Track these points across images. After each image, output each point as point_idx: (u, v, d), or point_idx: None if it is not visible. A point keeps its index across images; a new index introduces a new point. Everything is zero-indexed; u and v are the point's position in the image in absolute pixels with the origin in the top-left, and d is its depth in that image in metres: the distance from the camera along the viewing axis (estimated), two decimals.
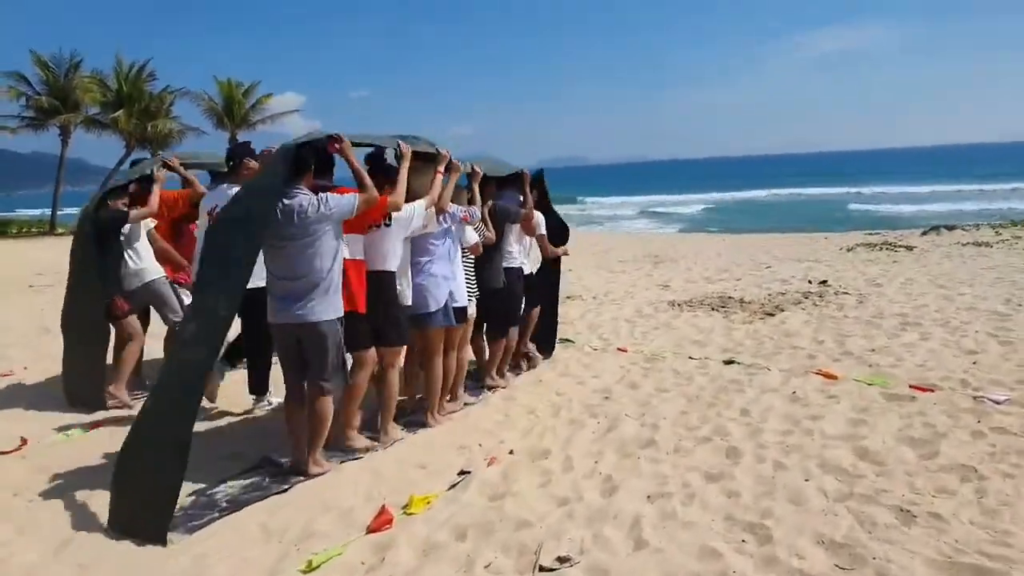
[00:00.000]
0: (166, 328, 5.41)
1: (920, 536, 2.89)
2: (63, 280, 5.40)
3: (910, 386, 4.84)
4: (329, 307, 3.71)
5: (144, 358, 5.58)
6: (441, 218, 4.47)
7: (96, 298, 5.10)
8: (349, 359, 4.03)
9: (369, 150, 4.33)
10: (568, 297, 9.03)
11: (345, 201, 3.70)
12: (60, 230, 27.48)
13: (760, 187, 55.97)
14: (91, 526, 3.33)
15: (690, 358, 6.01)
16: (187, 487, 3.49)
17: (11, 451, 4.30)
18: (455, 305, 4.56)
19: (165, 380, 3.50)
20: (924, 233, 16.15)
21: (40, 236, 26.77)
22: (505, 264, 5.37)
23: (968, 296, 7.96)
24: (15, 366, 6.41)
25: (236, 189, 4.25)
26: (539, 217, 5.73)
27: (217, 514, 3.40)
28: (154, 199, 5.19)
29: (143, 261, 5.31)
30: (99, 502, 3.51)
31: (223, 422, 4.88)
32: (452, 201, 4.53)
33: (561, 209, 6.45)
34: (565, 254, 6.26)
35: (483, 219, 4.97)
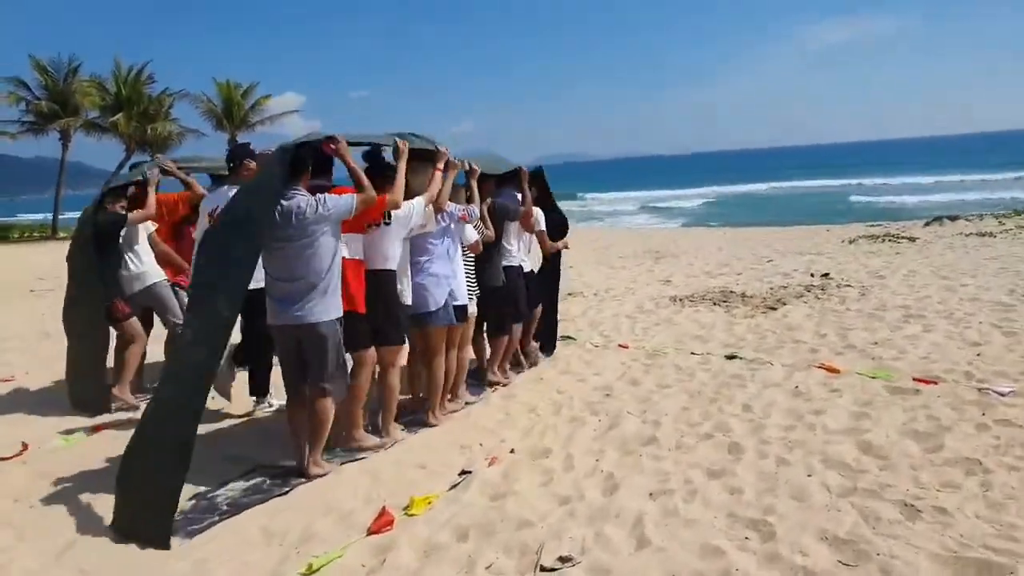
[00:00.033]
0: (167, 331, 5.41)
1: (925, 531, 2.86)
2: (64, 284, 5.39)
3: (914, 379, 4.81)
4: (328, 308, 3.70)
5: (146, 360, 5.57)
6: (439, 217, 4.45)
7: (96, 301, 5.09)
8: (349, 360, 4.02)
9: (366, 148, 4.31)
10: (569, 294, 9.00)
11: (343, 202, 3.69)
12: (62, 234, 27.52)
13: (761, 180, 55.81)
14: (92, 531, 3.31)
15: (692, 354, 5.98)
16: (187, 490, 3.48)
17: (11, 456, 4.29)
18: (455, 303, 4.55)
19: (168, 382, 3.49)
20: (927, 224, 16.05)
21: (42, 240, 26.82)
22: (505, 263, 5.35)
23: (971, 287, 7.92)
24: (16, 371, 6.41)
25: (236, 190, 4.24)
26: (538, 213, 5.71)
27: (217, 517, 3.39)
28: (151, 201, 5.18)
29: (144, 264, 5.31)
30: (100, 507, 3.51)
31: (224, 424, 4.86)
32: (450, 199, 4.51)
33: (561, 206, 6.42)
34: (565, 247, 6.23)
35: (482, 217, 4.95)
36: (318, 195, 3.67)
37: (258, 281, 3.75)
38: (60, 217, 29.34)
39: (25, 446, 4.41)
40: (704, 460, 3.75)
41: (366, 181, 3.80)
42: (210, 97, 32.25)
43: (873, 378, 4.91)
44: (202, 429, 4.35)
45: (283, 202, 3.57)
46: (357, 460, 4.05)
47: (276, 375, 4.69)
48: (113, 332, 5.29)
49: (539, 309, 5.99)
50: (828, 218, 23.26)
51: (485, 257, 5.11)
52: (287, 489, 3.67)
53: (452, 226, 4.57)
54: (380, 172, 4.12)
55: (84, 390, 5.22)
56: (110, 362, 5.31)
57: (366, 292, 4.07)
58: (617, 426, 4.36)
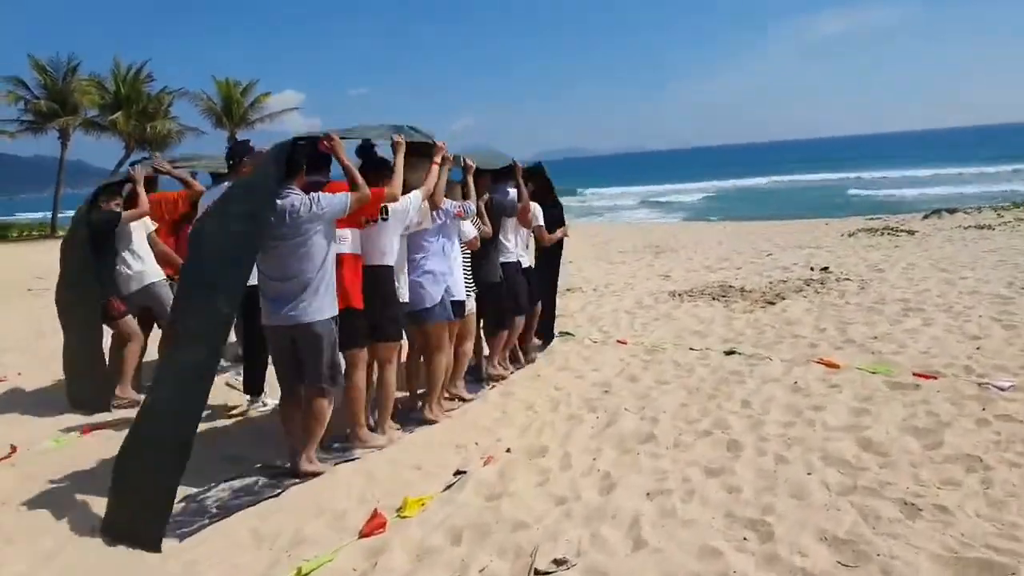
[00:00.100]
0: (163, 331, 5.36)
1: (925, 530, 2.82)
2: None
3: (913, 374, 4.77)
4: (323, 307, 3.66)
5: (144, 360, 5.52)
6: (435, 214, 4.42)
7: (92, 300, 5.04)
8: (342, 361, 3.97)
9: (358, 143, 4.26)
10: (568, 289, 8.96)
11: (337, 200, 3.67)
12: (60, 233, 27.44)
13: (760, 175, 55.69)
14: (81, 534, 3.27)
15: (691, 349, 5.94)
16: (179, 492, 3.42)
17: (0, 459, 4.24)
18: (452, 299, 4.52)
19: (165, 381, 3.43)
20: (925, 217, 16.00)
21: (41, 239, 26.76)
22: (502, 259, 5.32)
23: (971, 280, 7.87)
24: (9, 372, 6.35)
25: None
26: (536, 209, 5.66)
27: (208, 520, 3.34)
28: (142, 199, 5.14)
29: (143, 263, 5.27)
30: (89, 509, 3.47)
31: (217, 424, 4.81)
32: (446, 196, 4.48)
33: (560, 201, 6.37)
34: (565, 235, 6.18)
35: (479, 213, 4.91)
36: (312, 194, 3.64)
37: (253, 277, 3.70)
38: (59, 216, 29.26)
39: (13, 448, 4.36)
40: (702, 458, 3.71)
41: (360, 179, 3.77)
42: (209, 95, 32.18)
43: (873, 373, 4.87)
44: None
45: (277, 201, 3.54)
46: (351, 460, 4.00)
47: (270, 374, 4.64)
48: (108, 331, 5.24)
49: (539, 306, 5.94)
50: (827, 211, 23.18)
51: (482, 253, 5.07)
52: (279, 491, 3.62)
53: (448, 223, 4.54)
54: (374, 167, 4.09)
55: (81, 389, 5.19)
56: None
57: (363, 288, 4.03)
58: (615, 423, 4.31)
